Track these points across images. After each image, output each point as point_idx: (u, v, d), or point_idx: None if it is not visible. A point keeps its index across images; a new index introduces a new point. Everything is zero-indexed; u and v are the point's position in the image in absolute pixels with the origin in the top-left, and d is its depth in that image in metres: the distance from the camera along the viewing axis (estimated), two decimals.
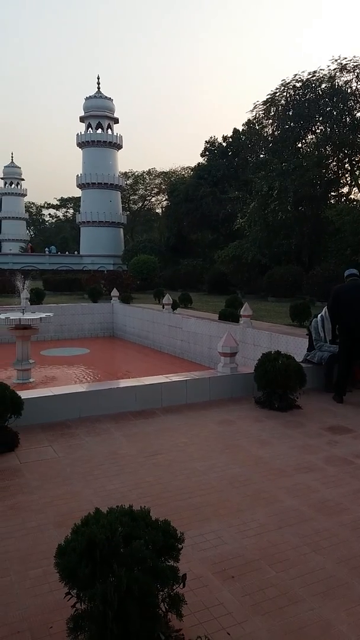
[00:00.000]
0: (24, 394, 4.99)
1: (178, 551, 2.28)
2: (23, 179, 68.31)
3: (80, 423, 5.36)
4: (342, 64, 22.75)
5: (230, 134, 36.70)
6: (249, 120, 29.30)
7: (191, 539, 3.06)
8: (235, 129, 36.20)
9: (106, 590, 2.01)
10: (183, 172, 55.37)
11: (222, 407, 6.10)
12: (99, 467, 4.25)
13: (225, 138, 37.17)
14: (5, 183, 67.29)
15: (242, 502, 3.64)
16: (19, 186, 67.85)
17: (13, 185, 67.27)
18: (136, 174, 63.06)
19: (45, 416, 5.33)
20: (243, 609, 2.50)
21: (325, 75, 23.22)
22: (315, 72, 23.48)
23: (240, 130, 34.45)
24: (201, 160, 38.45)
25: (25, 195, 69.67)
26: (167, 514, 3.18)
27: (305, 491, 3.86)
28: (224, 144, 37.10)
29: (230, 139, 36.47)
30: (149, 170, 62.58)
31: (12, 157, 68.41)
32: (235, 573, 2.80)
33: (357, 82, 22.43)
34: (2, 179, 67.62)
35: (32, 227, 77.89)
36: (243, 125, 32.38)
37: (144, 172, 63.02)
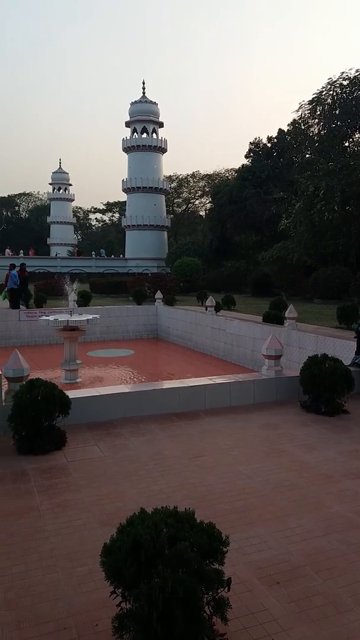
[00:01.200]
0: (71, 394, 5.08)
1: (223, 554, 2.26)
2: (71, 184, 69.86)
3: (125, 423, 5.41)
4: None
5: (275, 134, 36.31)
6: (294, 120, 28.87)
7: (236, 542, 3.03)
8: (280, 129, 35.77)
9: (151, 590, 2.01)
10: (227, 174, 55.21)
11: (266, 411, 6.02)
12: (143, 467, 4.28)
13: (270, 139, 36.78)
14: (54, 188, 68.99)
15: (288, 507, 3.58)
16: (66, 191, 69.43)
17: (61, 191, 68.91)
18: (180, 177, 63.38)
19: (91, 416, 5.42)
20: (289, 616, 2.45)
21: None
22: None
23: (286, 130, 34.01)
24: (245, 161, 38.19)
25: (72, 200, 71.22)
26: (212, 516, 3.16)
27: (353, 497, 3.75)
28: (269, 145, 36.71)
29: (275, 140, 36.06)
30: (193, 173, 62.77)
31: (60, 163, 70.04)
32: (281, 579, 2.75)
33: None
34: (50, 184, 69.35)
35: (79, 232, 79.59)
36: (288, 125, 31.94)
37: (187, 175, 63.27)
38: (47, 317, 10.27)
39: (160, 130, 53.07)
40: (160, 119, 52.91)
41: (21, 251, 51.12)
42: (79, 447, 4.69)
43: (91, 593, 2.63)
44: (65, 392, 4.93)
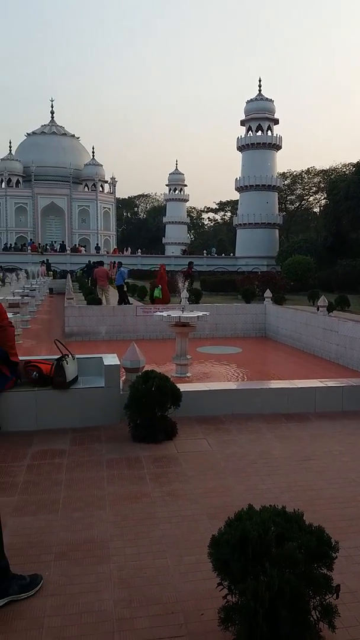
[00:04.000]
0: (182, 387, 5.23)
1: (332, 560, 2.20)
2: (186, 185, 71.38)
3: (233, 419, 5.44)
4: None
5: None
6: None
7: (345, 550, 2.92)
8: None
9: (257, 587, 2.03)
10: (344, 169, 52.86)
11: None
12: (251, 465, 4.29)
13: None
14: (170, 189, 70.93)
15: None
16: (182, 192, 71.04)
17: (177, 192, 70.65)
18: (294, 173, 61.89)
19: (200, 410, 5.52)
20: None
21: None
22: None
23: None
24: None
25: (187, 200, 72.73)
26: (320, 520, 3.06)
27: None
28: None
29: None
30: (308, 169, 61.08)
31: (176, 164, 71.79)
32: None
33: None
34: (167, 185, 71.40)
35: (192, 231, 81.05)
36: None
37: (302, 172, 61.60)
38: (160, 313, 10.64)
39: (275, 127, 52.21)
40: (276, 116, 52.03)
41: (138, 250, 53.22)
42: (188, 439, 4.81)
43: (197, 582, 2.70)
44: (177, 385, 5.08)
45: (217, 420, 5.40)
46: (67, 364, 5.06)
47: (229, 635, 2.18)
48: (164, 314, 10.51)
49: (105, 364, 5.41)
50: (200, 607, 2.50)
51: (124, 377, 5.58)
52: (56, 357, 5.14)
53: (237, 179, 52.49)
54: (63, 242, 54.81)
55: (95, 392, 5.27)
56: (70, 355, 5.17)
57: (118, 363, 5.50)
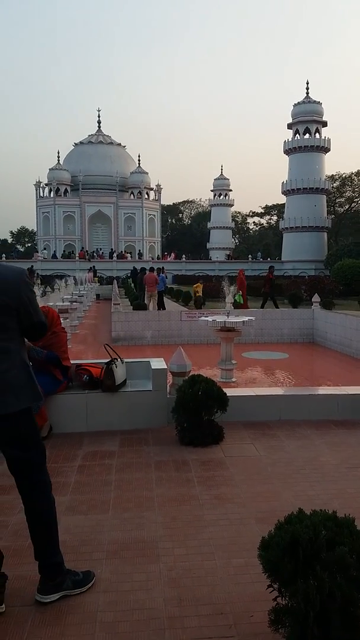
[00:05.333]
0: (228, 392, 5.24)
1: None
2: (231, 190, 71.26)
3: (281, 425, 5.40)
4: None
5: None
6: None
7: None
8: None
9: (308, 590, 2.02)
10: None
11: None
12: (299, 471, 4.25)
13: None
14: (215, 195, 71.02)
15: None
16: (226, 197, 70.99)
17: (221, 197, 70.65)
18: (343, 175, 60.67)
19: (246, 414, 5.51)
20: None
21: None
22: None
23: None
24: None
25: (232, 205, 72.59)
26: None
27: None
28: None
29: None
30: (358, 171, 59.62)
31: (221, 169, 71.80)
32: None
33: None
34: (212, 191, 71.52)
35: (237, 236, 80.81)
36: None
37: (352, 174, 60.29)
38: (205, 318, 10.67)
39: (323, 130, 51.39)
40: (324, 118, 51.21)
41: (183, 256, 53.49)
42: (235, 444, 4.82)
43: (246, 585, 2.71)
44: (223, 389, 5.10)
45: (264, 426, 5.38)
46: (116, 367, 5.17)
47: (278, 637, 2.18)
48: (209, 318, 10.53)
49: (152, 367, 5.50)
50: (249, 609, 2.51)
51: (171, 381, 5.65)
52: (106, 361, 5.26)
53: (283, 182, 51.97)
54: (112, 249, 55.89)
55: (143, 395, 5.37)
56: (119, 359, 5.28)
57: (165, 367, 5.57)
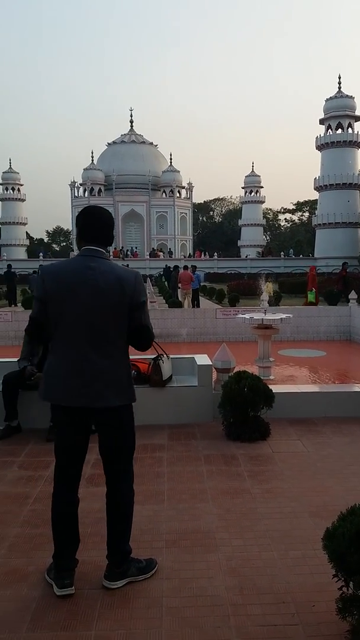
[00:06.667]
0: (273, 388, 5.26)
1: None
2: (262, 187, 70.70)
3: (326, 422, 5.39)
4: None
5: None
6: None
7: None
8: None
9: None
10: None
11: None
12: (348, 467, 4.25)
13: None
14: (246, 192, 70.61)
15: None
16: (257, 194, 70.48)
17: (252, 194, 70.18)
18: None
19: (291, 411, 5.53)
20: None
21: None
22: None
23: None
24: None
25: (263, 202, 72.02)
26: None
27: None
28: None
29: None
30: None
31: (252, 166, 71.27)
32: None
33: None
34: (243, 188, 71.13)
35: (268, 233, 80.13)
36: None
37: None
38: (242, 315, 10.67)
39: (356, 125, 50.49)
40: (357, 113, 50.30)
41: (215, 254, 53.37)
42: (282, 440, 4.85)
43: (306, 576, 2.75)
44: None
45: (309, 422, 5.38)
46: (162, 363, 5.26)
47: (343, 626, 2.22)
48: (247, 316, 10.53)
49: (198, 363, 5.57)
50: (311, 599, 2.55)
51: (215, 377, 5.71)
52: (152, 356, 5.36)
53: (316, 178, 51.31)
54: (153, 248, 56.35)
55: (189, 390, 5.45)
56: (165, 355, 5.37)
57: (210, 363, 5.64)
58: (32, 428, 5.10)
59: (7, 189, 68.42)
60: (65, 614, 2.45)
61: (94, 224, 2.59)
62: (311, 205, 68.16)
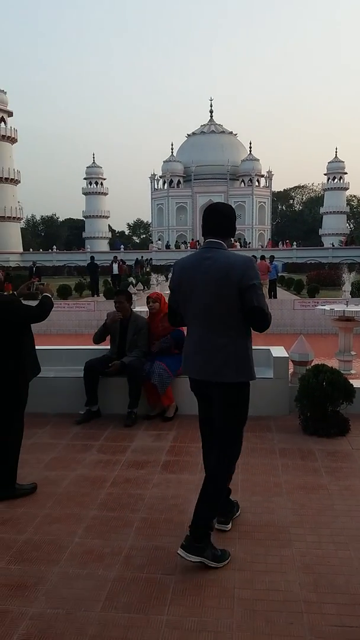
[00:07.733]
0: (354, 383, 5.05)
1: None
2: (346, 173, 67.87)
3: None
4: None
5: None
6: None
7: None
8: None
9: None
10: None
11: None
12: None
13: None
14: (328, 179, 68.11)
15: None
16: (341, 180, 67.75)
17: (336, 180, 67.57)
18: None
19: None
20: None
21: None
22: None
23: None
24: None
25: (347, 189, 69.15)
26: None
27: None
28: None
29: None
30: None
31: (336, 151, 68.50)
32: None
33: None
34: (325, 174, 68.66)
35: (351, 220, 76.91)
36: None
37: None
38: (322, 307, 10.32)
39: None
40: None
41: (294, 243, 52.10)
42: None
43: None
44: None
45: None
46: None
47: None
48: (327, 307, 10.16)
49: (274, 355, 5.46)
50: None
51: (292, 369, 5.57)
52: None
53: None
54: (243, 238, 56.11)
55: (265, 382, 5.34)
56: None
57: (287, 355, 5.51)
58: (112, 413, 5.27)
59: (90, 184, 70.81)
60: (138, 596, 2.51)
61: (210, 218, 2.87)
62: None
